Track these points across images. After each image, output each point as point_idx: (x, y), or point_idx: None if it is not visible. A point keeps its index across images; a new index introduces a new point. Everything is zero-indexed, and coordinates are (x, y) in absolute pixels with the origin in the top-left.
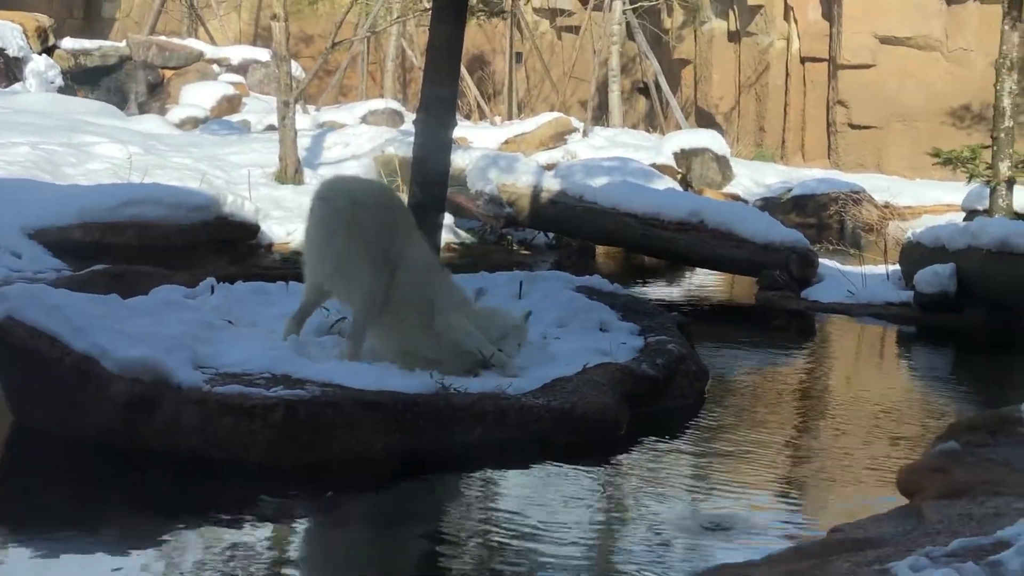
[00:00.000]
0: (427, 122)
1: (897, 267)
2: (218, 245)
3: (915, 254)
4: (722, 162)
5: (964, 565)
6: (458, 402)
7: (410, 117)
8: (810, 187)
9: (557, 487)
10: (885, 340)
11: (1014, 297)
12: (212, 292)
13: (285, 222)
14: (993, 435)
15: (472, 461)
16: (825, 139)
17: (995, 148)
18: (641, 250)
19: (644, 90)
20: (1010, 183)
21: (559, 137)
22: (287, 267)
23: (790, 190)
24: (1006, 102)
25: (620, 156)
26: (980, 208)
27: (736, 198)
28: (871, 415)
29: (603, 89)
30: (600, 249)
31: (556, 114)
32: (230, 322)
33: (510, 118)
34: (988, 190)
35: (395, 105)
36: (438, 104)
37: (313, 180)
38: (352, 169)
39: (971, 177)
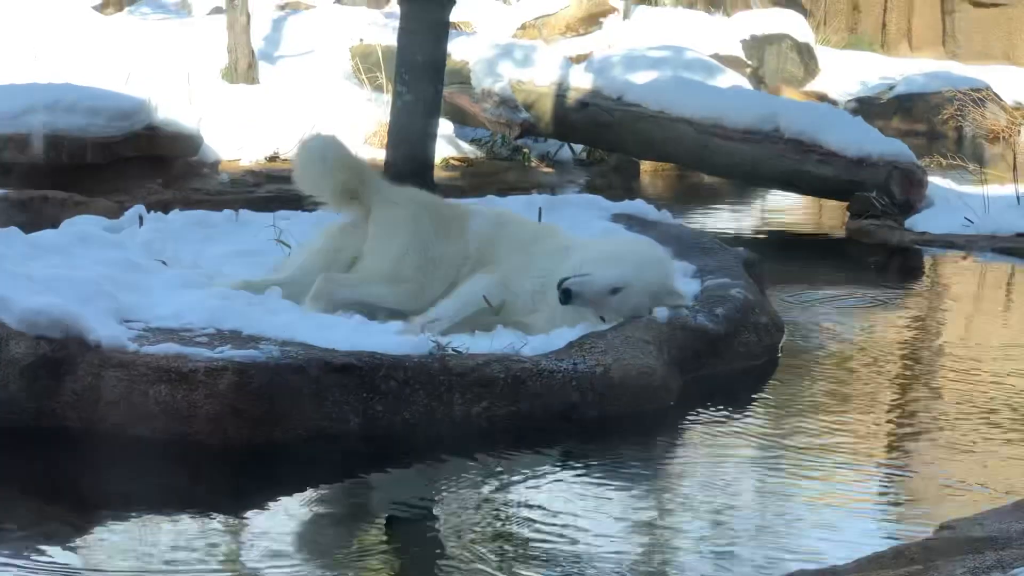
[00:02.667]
0: (416, 1)
1: None
2: (149, 163)
3: None
4: (804, 52)
5: None
6: (458, 366)
7: None
8: (918, 84)
9: (586, 476)
10: (1013, 284)
11: None
12: (140, 224)
13: (235, 133)
14: None
15: (476, 442)
16: (939, 21)
17: None
18: (698, 166)
19: None
20: None
21: (592, 20)
22: (237, 191)
23: (892, 88)
24: None
25: (672, 44)
26: None
27: (823, 98)
28: (991, 381)
29: None
30: (644, 166)
31: None
32: (164, 262)
33: None
34: None
35: None
36: None
37: (272, 77)
38: (323, 62)
39: None
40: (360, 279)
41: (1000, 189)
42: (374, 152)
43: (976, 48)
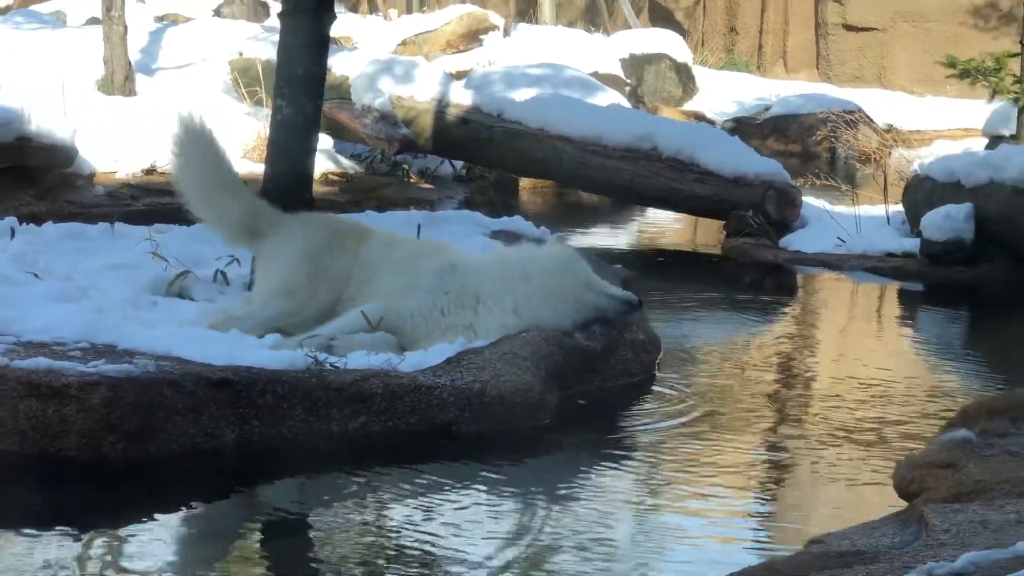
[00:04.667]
0: (296, 15)
1: (900, 208)
2: (21, 175)
3: (923, 191)
4: (683, 72)
5: None
6: (336, 381)
7: (276, 9)
8: (793, 105)
9: (462, 493)
10: (884, 301)
11: None
12: (12, 236)
13: (111, 145)
14: (1015, 422)
15: (353, 457)
16: (813, 44)
17: None
18: (577, 184)
19: None
20: None
21: (473, 37)
22: (113, 204)
23: (768, 108)
24: None
25: (551, 63)
26: (1005, 133)
27: (700, 118)
28: (864, 397)
29: None
30: (524, 182)
31: (469, 7)
32: (36, 275)
33: (409, 11)
34: (1015, 110)
35: None
36: None
37: (150, 90)
38: (201, 76)
39: (994, 93)
40: (255, 305)
41: (871, 209)
42: (252, 166)
43: (849, 71)
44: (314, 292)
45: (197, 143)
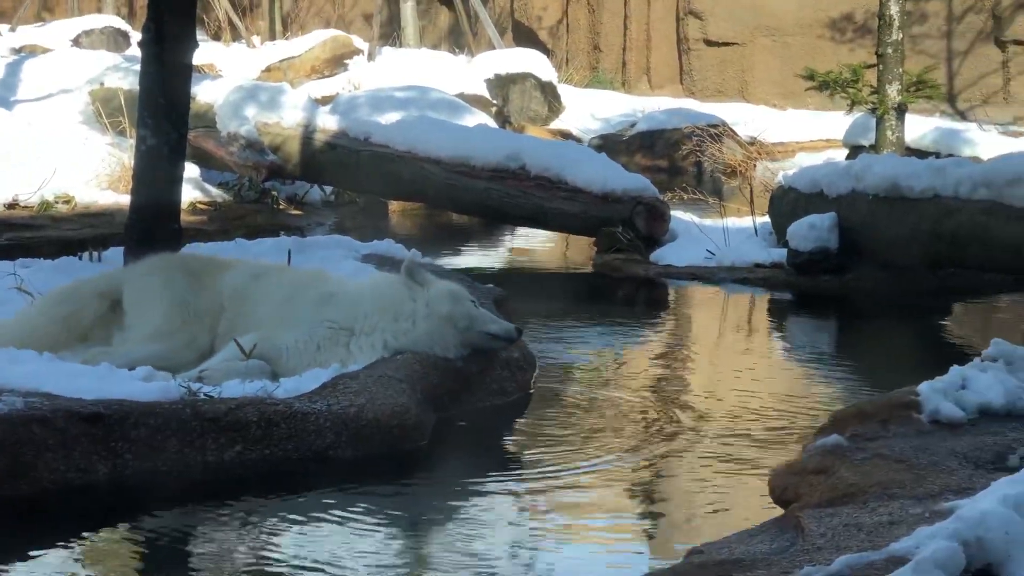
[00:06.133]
0: (157, 43)
1: (767, 219)
2: None
3: (787, 202)
4: (548, 90)
5: None
6: (209, 411)
7: (137, 38)
8: (658, 120)
9: (341, 519)
10: (754, 311)
11: (907, 253)
12: None
13: None
14: (885, 425)
15: (230, 487)
16: (676, 59)
17: (881, 68)
18: (446, 205)
19: None
20: (900, 110)
21: (337, 62)
22: None
23: (634, 124)
24: (893, 8)
25: (417, 85)
26: (865, 143)
27: (567, 136)
28: (738, 406)
29: None
30: (394, 206)
31: (333, 31)
32: None
33: (272, 37)
34: (874, 120)
35: (118, 23)
36: (172, 18)
37: (8, 122)
38: (62, 107)
39: (853, 104)
40: (131, 344)
41: (739, 221)
42: (118, 197)
43: (712, 85)
44: (192, 336)
45: None
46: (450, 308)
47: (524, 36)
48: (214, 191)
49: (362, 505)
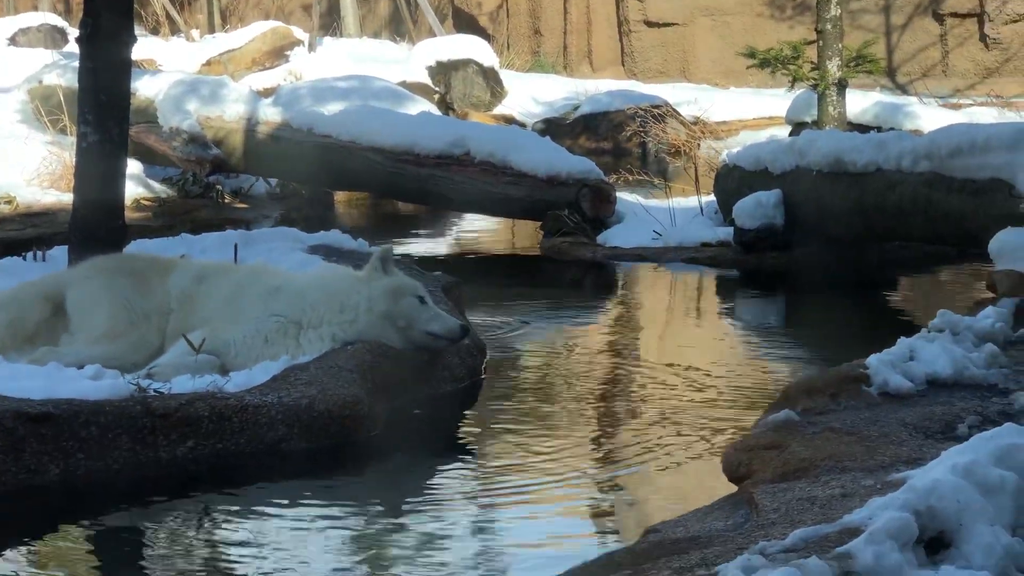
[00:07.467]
0: (95, 39)
1: (712, 198)
2: None
3: (732, 180)
4: (490, 76)
5: (806, 562)
6: (160, 407)
7: (75, 35)
8: (602, 103)
9: (295, 511)
10: (702, 290)
11: (852, 227)
12: None
13: None
14: (835, 398)
15: (183, 482)
16: (617, 41)
17: (821, 44)
18: (392, 194)
19: None
20: (841, 86)
21: (278, 53)
22: None
23: (577, 107)
24: None
25: (359, 74)
26: (808, 119)
27: (510, 121)
28: (688, 385)
29: None
30: (339, 196)
31: (273, 23)
32: None
33: (212, 31)
34: (816, 96)
35: (55, 20)
36: (109, 14)
37: None
38: None
39: (794, 81)
40: (79, 345)
41: (684, 201)
42: (60, 195)
43: (654, 66)
44: (141, 337)
45: None
46: (387, 307)
47: (464, 22)
48: (158, 187)
49: (316, 497)
